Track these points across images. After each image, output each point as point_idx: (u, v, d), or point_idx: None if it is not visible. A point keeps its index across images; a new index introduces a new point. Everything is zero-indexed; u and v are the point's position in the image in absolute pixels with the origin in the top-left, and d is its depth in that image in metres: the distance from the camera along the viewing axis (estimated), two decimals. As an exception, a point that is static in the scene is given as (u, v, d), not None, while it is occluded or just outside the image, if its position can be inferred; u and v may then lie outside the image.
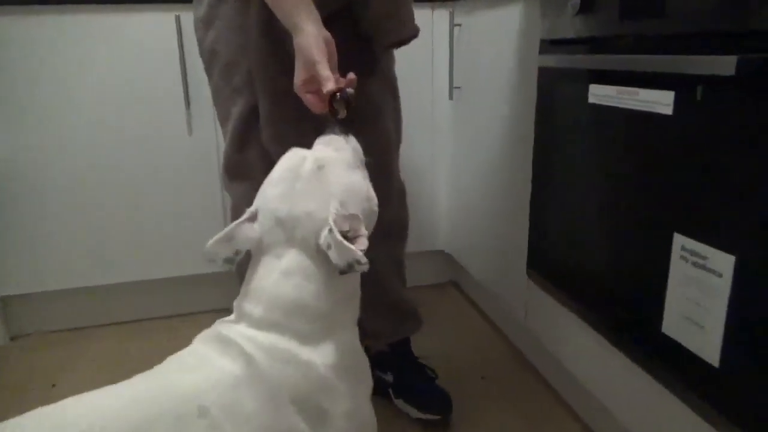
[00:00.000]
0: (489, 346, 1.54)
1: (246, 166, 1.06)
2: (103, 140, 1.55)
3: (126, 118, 1.55)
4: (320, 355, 0.65)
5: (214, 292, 1.76)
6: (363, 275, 1.19)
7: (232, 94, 1.03)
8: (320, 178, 0.69)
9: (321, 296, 0.67)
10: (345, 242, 0.63)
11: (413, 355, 1.32)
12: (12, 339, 1.65)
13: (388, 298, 1.24)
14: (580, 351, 1.10)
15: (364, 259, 0.63)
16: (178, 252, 1.67)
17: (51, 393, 1.36)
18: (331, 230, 0.64)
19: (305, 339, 0.65)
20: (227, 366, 0.61)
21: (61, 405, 0.55)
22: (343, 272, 0.64)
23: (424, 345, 1.42)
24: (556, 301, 1.16)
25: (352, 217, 0.67)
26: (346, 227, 0.66)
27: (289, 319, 0.65)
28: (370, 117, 1.10)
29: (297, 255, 0.67)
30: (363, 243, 0.65)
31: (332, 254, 0.64)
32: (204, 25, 1.03)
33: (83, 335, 1.66)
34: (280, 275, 0.66)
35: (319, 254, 0.66)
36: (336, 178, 0.70)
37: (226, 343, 0.63)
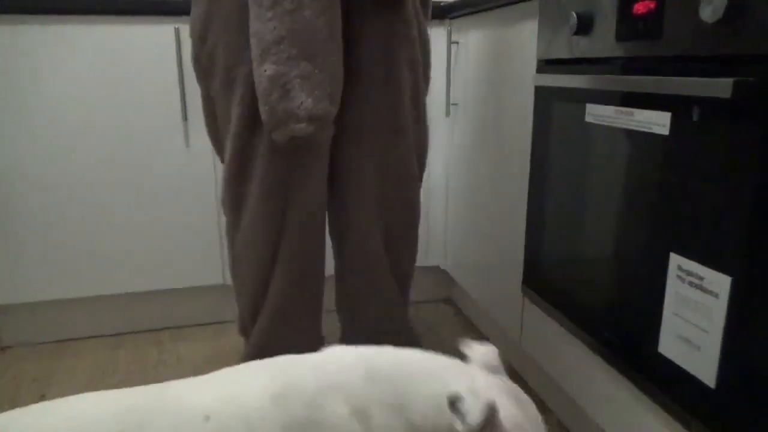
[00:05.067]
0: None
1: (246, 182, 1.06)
2: (99, 151, 1.55)
3: (123, 129, 1.55)
4: None
5: (204, 306, 1.75)
6: (367, 300, 1.20)
7: (230, 104, 1.02)
8: None
9: None
10: None
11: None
12: (0, 350, 1.62)
13: (393, 326, 1.24)
14: (575, 370, 1.09)
15: None
16: (172, 264, 1.66)
17: (38, 406, 1.33)
18: None
19: None
20: (260, 395, 0.59)
21: (63, 401, 0.56)
22: None
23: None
24: (551, 319, 1.16)
25: None
26: None
27: None
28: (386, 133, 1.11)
29: None
30: None
31: None
32: (202, 24, 1.02)
33: (72, 347, 1.64)
34: None
35: None
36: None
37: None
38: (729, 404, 0.72)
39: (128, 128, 1.55)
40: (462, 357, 0.70)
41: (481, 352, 0.69)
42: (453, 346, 1.62)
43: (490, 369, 0.66)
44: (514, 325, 1.34)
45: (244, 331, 1.12)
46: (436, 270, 1.88)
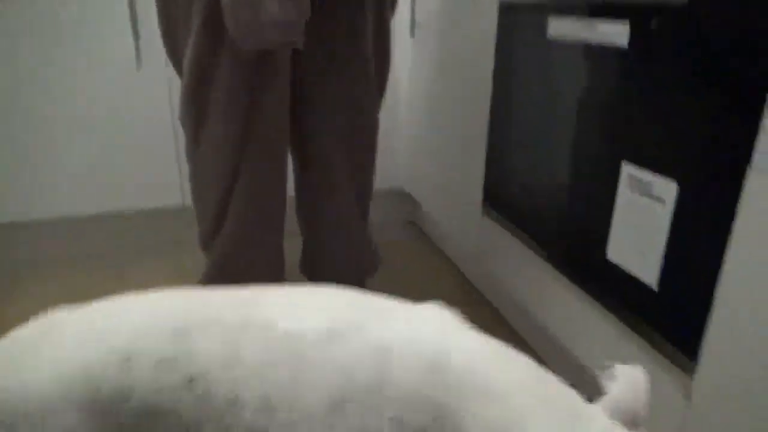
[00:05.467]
0: (446, 284, 1.58)
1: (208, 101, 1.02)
2: (45, 72, 1.47)
3: (70, 48, 1.47)
4: None
5: (164, 227, 1.73)
6: (328, 218, 1.21)
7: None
8: None
9: None
10: None
11: (365, 290, 1.34)
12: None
13: (352, 247, 1.26)
14: (530, 281, 1.14)
15: None
16: (129, 185, 1.63)
17: None
18: None
19: None
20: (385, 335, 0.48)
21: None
22: None
23: (380, 284, 1.45)
24: (510, 235, 1.19)
25: None
26: None
27: None
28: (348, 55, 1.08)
29: None
30: None
31: None
32: None
33: (27, 272, 1.61)
34: None
35: None
36: None
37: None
38: (669, 303, 0.77)
39: (76, 46, 1.47)
40: (591, 387, 0.51)
41: (623, 386, 0.49)
42: (414, 267, 1.66)
43: (625, 415, 0.46)
44: (474, 243, 1.38)
45: (206, 248, 1.12)
46: (400, 193, 1.89)
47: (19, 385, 0.47)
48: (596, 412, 0.45)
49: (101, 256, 1.70)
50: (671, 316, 0.77)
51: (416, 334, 0.49)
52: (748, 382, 0.66)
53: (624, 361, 0.86)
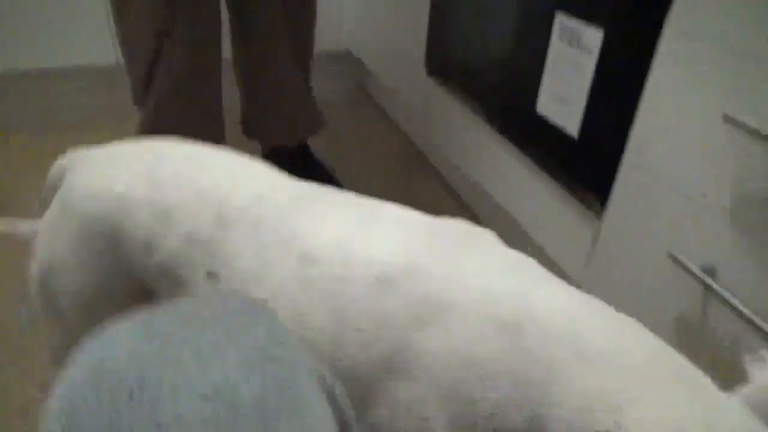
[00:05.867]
0: (392, 148, 1.60)
1: None
2: None
3: None
4: None
5: (96, 87, 1.66)
6: (267, 74, 1.17)
7: None
8: None
9: None
10: None
11: (309, 151, 1.35)
12: None
13: (291, 104, 1.24)
14: (470, 141, 1.17)
15: None
16: (57, 41, 1.53)
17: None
18: None
19: None
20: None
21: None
22: None
23: (324, 146, 1.45)
24: (453, 98, 1.20)
25: None
26: None
27: None
28: None
29: None
30: None
31: None
32: None
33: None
34: None
35: None
36: None
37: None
38: (587, 153, 0.81)
39: None
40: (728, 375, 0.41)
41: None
42: (362, 132, 1.65)
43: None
44: (418, 103, 1.38)
45: (139, 103, 1.09)
46: (348, 56, 1.84)
47: (77, 193, 0.50)
48: (730, 401, 0.34)
49: (34, 123, 1.62)
50: (588, 164, 0.82)
51: (489, 287, 0.39)
52: (648, 227, 0.72)
53: (543, 207, 0.92)
